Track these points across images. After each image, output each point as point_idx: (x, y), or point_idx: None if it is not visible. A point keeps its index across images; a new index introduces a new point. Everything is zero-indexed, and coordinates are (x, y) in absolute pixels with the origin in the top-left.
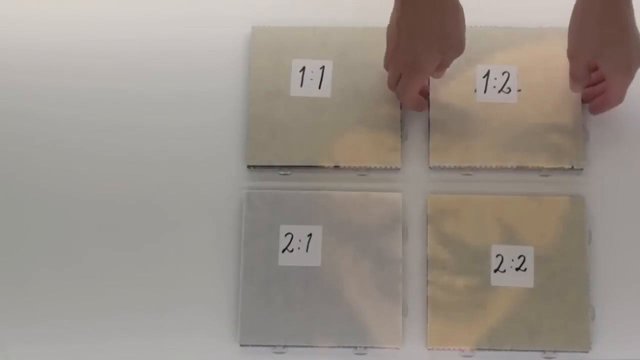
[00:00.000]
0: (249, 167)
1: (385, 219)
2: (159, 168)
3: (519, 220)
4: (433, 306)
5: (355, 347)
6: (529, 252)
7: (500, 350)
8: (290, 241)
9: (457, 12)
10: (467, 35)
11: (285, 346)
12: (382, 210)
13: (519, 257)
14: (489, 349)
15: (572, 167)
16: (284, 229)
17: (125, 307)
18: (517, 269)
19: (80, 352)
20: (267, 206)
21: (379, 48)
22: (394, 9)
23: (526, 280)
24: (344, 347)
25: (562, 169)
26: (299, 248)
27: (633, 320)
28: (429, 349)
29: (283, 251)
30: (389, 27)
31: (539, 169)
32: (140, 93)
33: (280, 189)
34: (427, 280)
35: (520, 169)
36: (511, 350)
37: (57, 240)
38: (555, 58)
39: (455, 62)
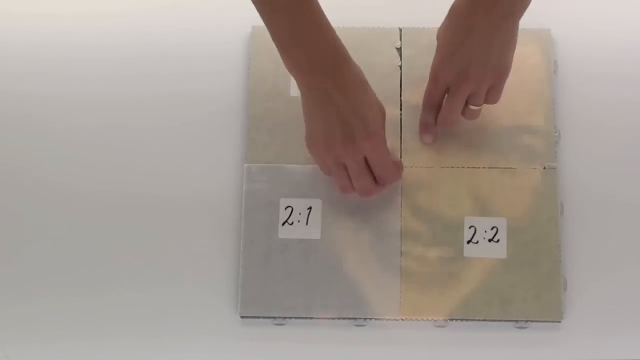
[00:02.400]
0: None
1: (384, 192)
2: (158, 167)
3: (492, 192)
4: (406, 277)
5: (355, 319)
6: (501, 223)
7: (472, 320)
8: (290, 214)
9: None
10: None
11: (285, 318)
12: None
13: (491, 229)
14: (462, 319)
15: (544, 167)
16: (284, 202)
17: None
18: (489, 240)
19: (80, 345)
20: (267, 179)
21: (379, 48)
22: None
23: (499, 251)
24: (343, 318)
25: (534, 170)
26: (299, 221)
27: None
28: (402, 320)
29: (283, 224)
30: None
31: (510, 170)
32: (140, 93)
33: None
34: (401, 251)
35: (491, 170)
36: (484, 320)
37: (57, 238)
38: (527, 59)
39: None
